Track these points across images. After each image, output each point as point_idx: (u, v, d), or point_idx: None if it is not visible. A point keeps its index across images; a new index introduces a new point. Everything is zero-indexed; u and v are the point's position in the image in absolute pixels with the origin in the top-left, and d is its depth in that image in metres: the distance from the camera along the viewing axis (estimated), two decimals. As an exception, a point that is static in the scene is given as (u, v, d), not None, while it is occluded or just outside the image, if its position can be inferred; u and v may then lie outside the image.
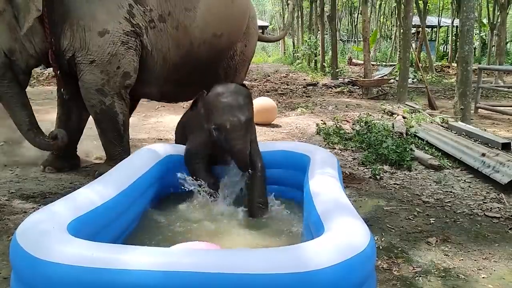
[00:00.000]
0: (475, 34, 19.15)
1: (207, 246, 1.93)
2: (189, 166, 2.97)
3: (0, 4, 3.25)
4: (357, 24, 28.04)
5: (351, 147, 5.11)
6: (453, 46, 20.44)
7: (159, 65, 3.65)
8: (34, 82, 10.04)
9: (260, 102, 6.55)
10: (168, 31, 3.57)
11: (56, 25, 3.40)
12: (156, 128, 6.30)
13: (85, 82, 3.51)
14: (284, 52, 27.66)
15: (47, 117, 4.95)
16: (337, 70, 14.36)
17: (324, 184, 2.38)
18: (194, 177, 2.89)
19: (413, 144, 5.07)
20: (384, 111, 7.85)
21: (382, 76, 11.88)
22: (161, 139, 5.50)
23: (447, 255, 2.58)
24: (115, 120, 3.62)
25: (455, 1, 18.11)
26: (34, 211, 2.93)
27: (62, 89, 3.81)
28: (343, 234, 1.69)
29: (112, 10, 3.41)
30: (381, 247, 2.63)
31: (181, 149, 3.09)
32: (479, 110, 8.42)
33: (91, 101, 3.57)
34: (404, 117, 6.76)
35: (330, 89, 11.78)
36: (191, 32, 3.63)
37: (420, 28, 16.83)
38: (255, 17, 4.30)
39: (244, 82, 4.32)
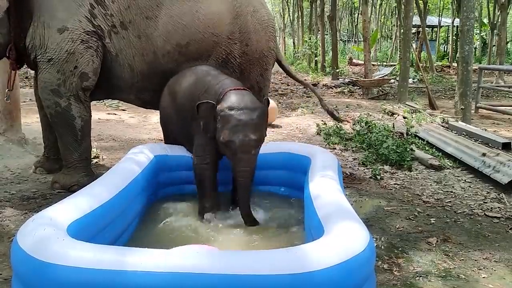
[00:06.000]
0: (476, 34, 19.15)
1: (206, 249, 1.93)
2: (197, 173, 2.85)
3: None
4: (357, 24, 28.05)
5: (352, 147, 5.10)
6: (454, 46, 20.45)
7: (126, 72, 3.52)
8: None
9: (261, 103, 6.54)
10: (131, 39, 3.43)
11: (24, 20, 3.36)
12: (157, 129, 6.30)
13: (41, 81, 3.42)
14: (285, 53, 27.67)
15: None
16: (338, 70, 14.36)
17: (324, 187, 2.38)
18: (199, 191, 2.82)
19: (413, 144, 5.07)
20: (385, 111, 7.85)
21: (383, 76, 11.89)
22: (161, 140, 5.50)
23: (447, 255, 2.58)
24: (72, 124, 3.43)
25: (455, 1, 18.11)
26: (35, 212, 2.94)
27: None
28: (342, 236, 1.70)
29: (72, 8, 3.33)
30: (381, 247, 2.63)
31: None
32: (480, 110, 8.41)
33: (46, 102, 3.45)
34: (404, 117, 6.75)
35: (330, 89, 11.79)
36: (154, 42, 3.44)
37: (421, 28, 16.81)
38: (259, 11, 3.74)
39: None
